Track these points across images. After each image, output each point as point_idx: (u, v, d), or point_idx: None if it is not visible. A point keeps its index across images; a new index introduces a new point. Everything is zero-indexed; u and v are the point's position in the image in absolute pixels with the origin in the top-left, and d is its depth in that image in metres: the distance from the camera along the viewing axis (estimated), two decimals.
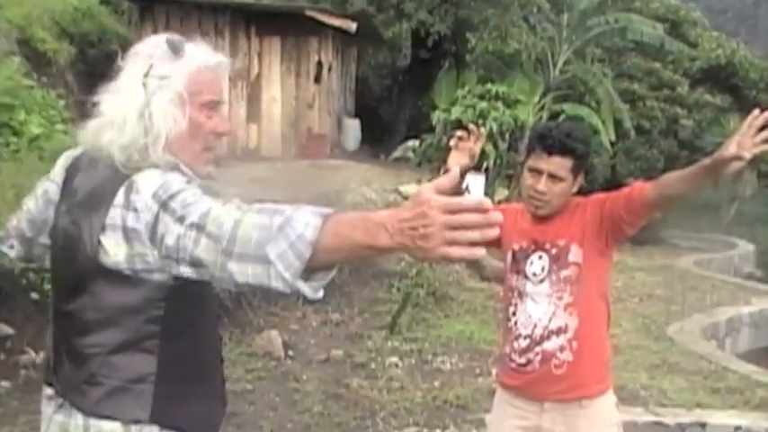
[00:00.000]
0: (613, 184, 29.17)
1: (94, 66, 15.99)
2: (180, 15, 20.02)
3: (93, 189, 2.54)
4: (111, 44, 17.35)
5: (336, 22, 19.46)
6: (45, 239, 2.80)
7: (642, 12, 26.40)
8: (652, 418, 7.47)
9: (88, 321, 2.54)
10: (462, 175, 3.86)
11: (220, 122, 2.65)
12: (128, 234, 2.42)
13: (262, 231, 2.11)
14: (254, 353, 8.68)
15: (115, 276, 2.47)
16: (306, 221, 2.06)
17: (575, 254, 3.78)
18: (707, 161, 3.46)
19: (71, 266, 2.55)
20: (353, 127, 22.62)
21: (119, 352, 2.52)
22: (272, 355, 8.67)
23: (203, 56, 2.62)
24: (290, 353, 8.89)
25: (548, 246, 3.81)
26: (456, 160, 3.85)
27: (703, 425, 7.44)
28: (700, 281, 16.67)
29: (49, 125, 9.97)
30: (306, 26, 19.43)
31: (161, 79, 2.54)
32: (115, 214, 2.44)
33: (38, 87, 11.42)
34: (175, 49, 2.59)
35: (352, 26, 19.39)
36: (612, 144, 23.68)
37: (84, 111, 2.66)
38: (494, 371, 4.13)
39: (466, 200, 1.86)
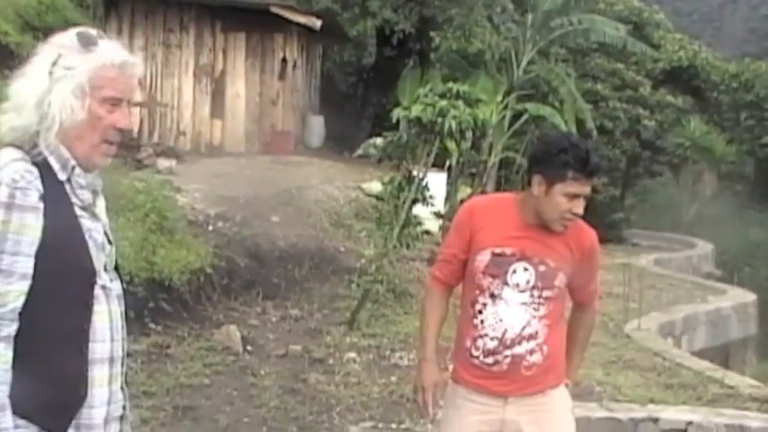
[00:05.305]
0: None
1: None
2: (144, 10, 19.92)
3: None
4: None
5: (301, 19, 19.43)
6: None
7: (605, 13, 26.62)
8: (606, 414, 7.56)
9: None
10: None
11: (121, 118, 2.72)
12: None
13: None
14: (213, 347, 8.72)
15: None
16: None
17: (560, 280, 3.81)
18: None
19: None
20: (318, 124, 22.62)
21: None
22: (230, 350, 8.71)
23: (111, 53, 2.70)
24: (249, 348, 8.93)
25: (536, 260, 3.78)
26: None
27: (656, 420, 7.53)
28: (658, 279, 16.86)
29: None
30: (271, 23, 19.39)
31: (66, 69, 2.63)
32: None
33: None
34: (85, 43, 2.68)
35: (317, 23, 19.38)
36: None
37: None
38: (450, 366, 4.14)
39: None
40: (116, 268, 2.87)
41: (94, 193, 2.81)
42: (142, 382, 7.40)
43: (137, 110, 19.63)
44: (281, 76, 20.29)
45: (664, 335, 12.27)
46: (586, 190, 3.75)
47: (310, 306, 10.70)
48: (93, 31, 2.73)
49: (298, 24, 19.60)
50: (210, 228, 11.54)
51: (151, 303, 8.91)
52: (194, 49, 20.07)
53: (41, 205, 2.54)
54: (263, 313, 10.23)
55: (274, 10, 19.22)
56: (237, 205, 12.72)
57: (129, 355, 8.12)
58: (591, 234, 3.95)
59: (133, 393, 7.09)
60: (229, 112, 20.02)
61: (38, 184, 2.55)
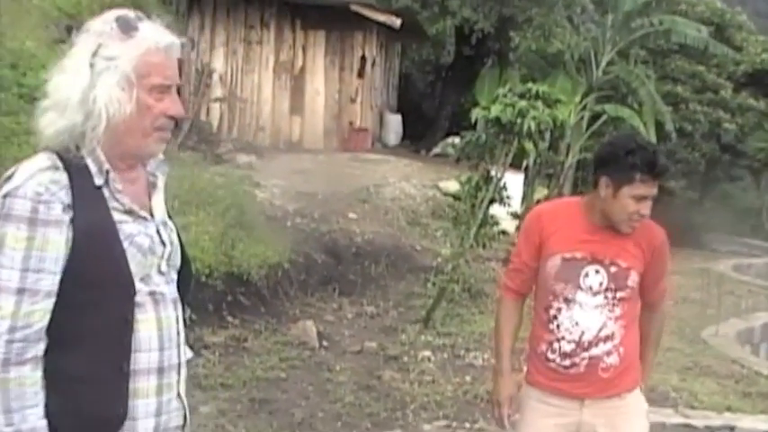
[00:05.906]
0: None
1: None
2: (226, 7, 20.16)
3: None
4: None
5: (381, 17, 19.52)
6: None
7: (687, 14, 26.22)
8: (681, 420, 7.48)
9: None
10: None
11: (171, 105, 2.54)
12: None
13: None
14: (289, 342, 8.81)
15: None
16: None
17: (633, 279, 3.82)
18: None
19: None
20: (395, 122, 22.68)
21: None
22: (306, 345, 8.79)
23: (155, 37, 2.52)
24: (325, 343, 9.01)
25: (607, 262, 3.79)
26: None
27: (732, 428, 7.44)
28: (737, 285, 16.57)
29: None
30: (351, 20, 19.53)
31: (108, 60, 2.46)
32: None
33: None
34: (125, 29, 2.49)
35: (397, 22, 19.44)
36: None
37: None
38: (524, 368, 4.15)
39: None
40: (180, 269, 2.71)
41: (153, 185, 2.66)
42: (220, 374, 7.52)
43: (217, 105, 19.90)
44: (360, 73, 20.40)
45: (742, 342, 12.08)
46: (654, 191, 3.73)
47: (386, 303, 10.76)
48: (133, 14, 2.55)
49: (377, 23, 19.69)
50: (289, 223, 11.66)
51: (229, 297, 9.04)
52: (275, 45, 20.26)
53: (66, 218, 2.37)
54: (339, 309, 10.32)
55: (354, 8, 19.33)
56: (315, 201, 12.83)
57: (206, 347, 8.20)
58: (660, 232, 3.95)
59: (210, 385, 7.27)
60: (308, 109, 20.20)
61: (63, 195, 2.37)
